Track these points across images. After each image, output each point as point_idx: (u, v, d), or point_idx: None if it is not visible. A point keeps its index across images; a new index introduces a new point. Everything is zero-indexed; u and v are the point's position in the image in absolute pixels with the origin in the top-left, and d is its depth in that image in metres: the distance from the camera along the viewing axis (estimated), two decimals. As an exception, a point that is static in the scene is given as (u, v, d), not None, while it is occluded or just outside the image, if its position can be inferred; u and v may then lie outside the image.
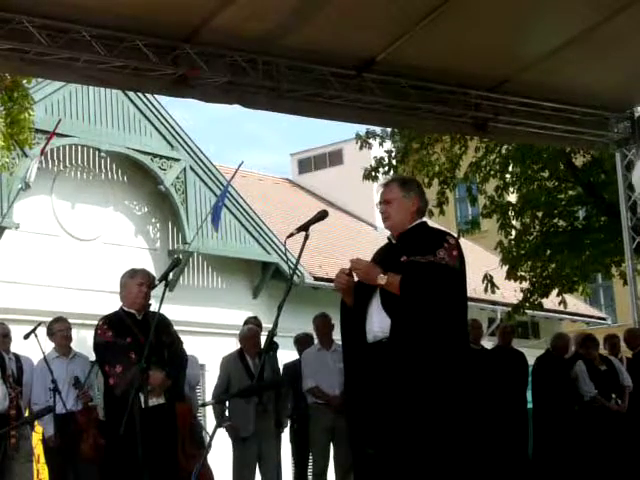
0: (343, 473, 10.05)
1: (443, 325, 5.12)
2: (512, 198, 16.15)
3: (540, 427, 11.14)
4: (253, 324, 10.46)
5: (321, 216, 5.42)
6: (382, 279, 5.15)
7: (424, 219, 5.53)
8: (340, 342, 10.12)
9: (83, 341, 10.00)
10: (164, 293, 6.32)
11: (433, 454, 5.04)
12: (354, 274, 5.30)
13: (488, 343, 13.69)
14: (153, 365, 7.07)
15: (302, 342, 10.84)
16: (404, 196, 5.44)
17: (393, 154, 15.40)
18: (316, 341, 10.55)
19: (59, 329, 9.41)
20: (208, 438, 7.03)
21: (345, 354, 5.61)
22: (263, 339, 9.75)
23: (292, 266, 15.77)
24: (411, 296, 5.10)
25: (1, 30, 7.75)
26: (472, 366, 5.45)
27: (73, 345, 9.63)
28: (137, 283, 7.47)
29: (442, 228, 5.68)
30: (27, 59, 8.08)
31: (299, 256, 5.35)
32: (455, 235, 5.56)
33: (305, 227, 5.32)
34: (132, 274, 7.59)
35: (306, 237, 5.28)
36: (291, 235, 5.28)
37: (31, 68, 8.45)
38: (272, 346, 5.43)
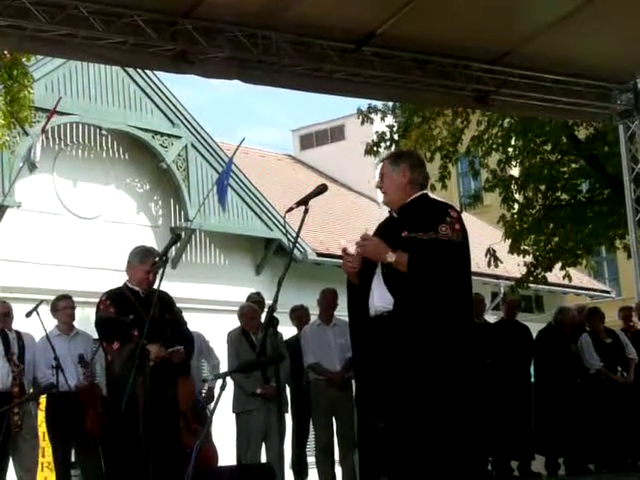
0: (347, 448, 10.08)
1: (448, 301, 5.12)
2: (514, 172, 16.11)
3: (542, 400, 11.14)
4: (255, 300, 10.46)
5: (320, 190, 5.39)
6: (391, 257, 5.13)
7: (425, 191, 5.50)
8: (340, 317, 10.22)
9: (86, 319, 10.00)
10: (164, 269, 6.32)
11: (437, 426, 5.05)
12: (360, 249, 5.27)
13: (491, 317, 13.68)
14: (156, 343, 7.10)
15: (298, 315, 10.83)
16: (393, 170, 5.44)
17: (395, 129, 15.37)
18: (313, 317, 10.55)
19: (63, 306, 9.43)
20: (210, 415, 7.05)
21: (351, 330, 5.62)
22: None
23: (292, 240, 15.77)
24: (419, 275, 5.09)
25: (-2, 7, 7.71)
26: (476, 340, 5.44)
27: (76, 323, 9.64)
28: (145, 270, 7.41)
29: (443, 200, 5.62)
30: (25, 36, 8.03)
31: (299, 230, 5.32)
32: (456, 207, 5.53)
33: (304, 201, 5.30)
34: (142, 259, 7.48)
35: (305, 211, 5.26)
36: (290, 209, 5.26)
37: (29, 45, 8.40)
38: (272, 321, 5.39)
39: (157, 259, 7.16)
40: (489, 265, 15.03)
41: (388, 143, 15.14)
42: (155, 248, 7.87)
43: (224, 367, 9.92)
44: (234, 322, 10.18)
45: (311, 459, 10.74)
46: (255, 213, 18.48)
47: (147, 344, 6.84)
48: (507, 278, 19.57)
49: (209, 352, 10.28)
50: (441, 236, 5.13)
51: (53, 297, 9.79)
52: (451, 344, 5.09)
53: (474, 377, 5.20)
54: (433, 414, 5.05)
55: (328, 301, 10.26)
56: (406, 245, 5.16)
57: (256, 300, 10.51)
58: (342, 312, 10.15)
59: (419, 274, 5.09)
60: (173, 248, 13.77)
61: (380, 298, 5.23)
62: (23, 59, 11.34)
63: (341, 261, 5.39)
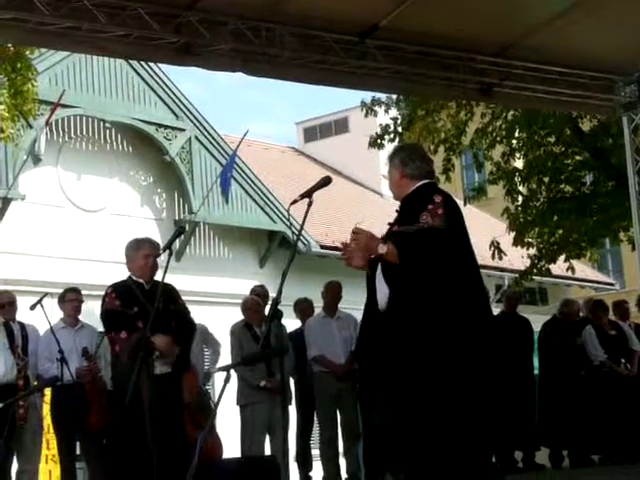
0: (351, 440, 10.09)
1: (439, 289, 5.15)
2: (518, 164, 16.08)
3: (546, 393, 11.15)
4: (259, 293, 10.45)
5: (324, 182, 5.40)
6: (382, 248, 5.19)
7: (426, 181, 5.53)
8: (344, 310, 10.23)
9: (90, 312, 10.00)
10: (168, 262, 6.32)
11: (436, 419, 5.06)
12: (353, 243, 5.30)
13: (496, 310, 13.67)
14: (160, 334, 7.11)
15: (302, 308, 10.84)
16: (390, 166, 5.64)
17: (399, 121, 15.35)
18: (317, 310, 10.55)
19: (71, 299, 9.43)
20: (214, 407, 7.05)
21: (362, 321, 5.69)
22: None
23: (296, 232, 15.77)
24: (409, 265, 5.14)
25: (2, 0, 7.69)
26: (484, 321, 5.37)
27: (80, 316, 9.64)
28: (143, 255, 7.48)
29: (440, 188, 5.65)
30: (28, 28, 8.00)
31: (303, 222, 5.33)
32: (459, 198, 5.55)
33: (309, 194, 5.31)
34: (137, 246, 7.57)
35: (310, 204, 5.27)
36: (295, 202, 5.27)
37: (33, 37, 8.37)
38: (277, 314, 5.40)
39: (161, 251, 7.18)
40: (493, 257, 15.02)
41: (392, 136, 15.12)
42: (151, 238, 7.89)
43: (227, 356, 9.93)
44: (238, 315, 10.19)
45: (315, 451, 10.75)
46: (259, 206, 18.49)
47: (152, 336, 6.86)
48: (511, 270, 19.56)
49: (211, 339, 10.31)
50: (421, 225, 5.21)
51: (57, 290, 9.80)
52: (450, 334, 5.11)
53: (481, 366, 5.18)
54: (431, 406, 5.07)
55: (332, 294, 10.28)
56: (393, 239, 5.25)
57: (260, 293, 10.50)
58: (346, 305, 10.23)
59: (409, 266, 5.14)
60: (177, 241, 13.79)
61: (380, 292, 5.28)
62: (27, 52, 11.34)
63: (345, 254, 5.42)
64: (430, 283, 5.13)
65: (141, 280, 7.49)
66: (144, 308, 7.20)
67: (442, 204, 5.25)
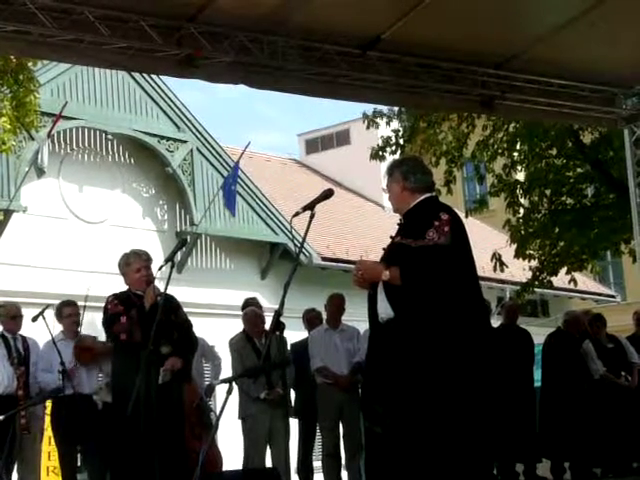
0: (353, 452, 10.07)
1: (442, 306, 5.17)
2: (520, 176, 16.10)
3: (548, 404, 11.12)
4: (253, 305, 10.43)
5: (326, 195, 5.42)
6: (385, 275, 5.24)
7: (430, 194, 5.53)
8: (347, 323, 10.25)
9: (91, 323, 10.01)
10: (170, 274, 6.32)
11: (434, 431, 5.06)
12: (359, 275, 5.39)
13: (497, 322, 13.67)
14: (163, 345, 7.13)
15: (310, 318, 10.84)
16: (390, 180, 5.63)
17: (400, 133, 15.36)
18: (324, 321, 10.56)
19: (68, 313, 9.43)
20: (215, 419, 7.05)
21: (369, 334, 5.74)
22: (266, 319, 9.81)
23: (298, 244, 15.77)
24: (412, 286, 5.18)
25: (4, 12, 7.69)
26: (484, 338, 5.39)
27: (82, 327, 9.64)
28: (135, 269, 7.52)
29: (444, 203, 5.65)
30: (31, 41, 8.01)
31: (305, 235, 5.34)
32: (455, 210, 5.54)
33: (311, 206, 5.32)
34: (127, 262, 7.63)
35: (312, 216, 5.29)
36: (297, 214, 5.29)
37: (35, 50, 8.39)
38: (279, 326, 5.42)
39: (164, 263, 7.20)
40: (495, 270, 15.02)
41: (393, 148, 15.12)
42: (137, 249, 7.90)
43: (227, 370, 9.92)
44: (239, 327, 10.18)
45: (317, 463, 10.73)
46: (261, 217, 18.51)
47: (158, 349, 6.89)
48: (513, 283, 19.57)
49: (210, 353, 10.30)
50: (427, 242, 5.22)
51: (59, 301, 9.80)
52: (449, 348, 5.12)
53: (480, 379, 5.19)
54: (431, 418, 5.07)
55: (335, 306, 10.28)
56: (397, 252, 5.29)
57: (253, 304, 10.50)
58: (349, 317, 10.23)
59: (412, 286, 5.18)
60: (179, 252, 13.82)
61: (382, 306, 5.31)
62: (29, 64, 11.37)
63: (346, 265, 5.47)
64: (431, 302, 5.14)
65: (140, 292, 7.52)
66: (144, 316, 7.23)
67: (449, 221, 5.27)
